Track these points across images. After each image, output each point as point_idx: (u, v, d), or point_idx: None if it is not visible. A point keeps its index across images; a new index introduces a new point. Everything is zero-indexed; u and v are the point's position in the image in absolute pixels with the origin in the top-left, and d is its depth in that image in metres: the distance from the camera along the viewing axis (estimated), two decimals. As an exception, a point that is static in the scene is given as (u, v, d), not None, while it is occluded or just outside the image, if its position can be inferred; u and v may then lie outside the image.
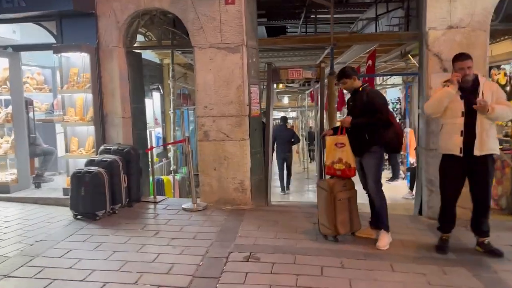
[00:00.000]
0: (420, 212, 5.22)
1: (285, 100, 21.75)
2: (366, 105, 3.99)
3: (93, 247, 3.99)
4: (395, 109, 13.00)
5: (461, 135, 3.63)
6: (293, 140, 10.50)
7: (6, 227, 4.68)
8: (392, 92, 13.82)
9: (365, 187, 4.17)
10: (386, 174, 10.24)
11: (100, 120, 5.66)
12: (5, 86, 6.17)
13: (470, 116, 3.59)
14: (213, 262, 3.59)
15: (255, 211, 5.21)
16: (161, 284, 3.18)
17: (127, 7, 5.48)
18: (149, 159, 5.90)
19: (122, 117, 5.70)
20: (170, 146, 8.40)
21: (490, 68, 6.83)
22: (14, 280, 3.29)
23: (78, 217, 4.89)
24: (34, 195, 5.91)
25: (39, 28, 5.90)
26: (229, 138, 5.35)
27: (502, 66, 6.87)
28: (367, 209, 4.31)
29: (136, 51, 6.11)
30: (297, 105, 19.75)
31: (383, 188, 4.07)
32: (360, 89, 4.13)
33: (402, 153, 10.24)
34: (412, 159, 10.79)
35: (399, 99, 13.12)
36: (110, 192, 4.93)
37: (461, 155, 3.64)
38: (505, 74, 6.76)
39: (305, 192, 11.30)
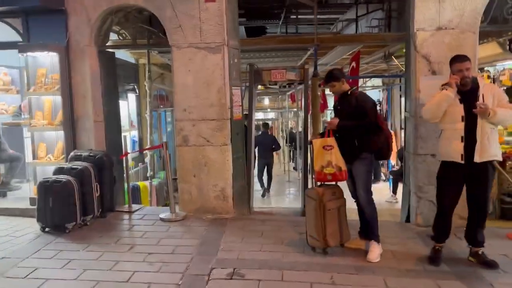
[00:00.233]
0: (407, 219, 5.06)
1: (266, 101, 21.51)
2: (355, 109, 3.78)
3: (61, 264, 3.66)
4: (376, 112, 12.92)
5: (462, 141, 3.45)
6: (274, 147, 10.52)
7: (-37, 243, 4.27)
8: (372, 94, 13.77)
9: (354, 195, 3.97)
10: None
11: (70, 124, 5.28)
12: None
13: (470, 121, 3.41)
14: (194, 281, 3.31)
15: (237, 220, 4.94)
16: (137, 308, 2.89)
17: (99, 4, 5.12)
18: (124, 165, 5.54)
19: (94, 121, 5.33)
20: (146, 150, 8.02)
21: (473, 70, 6.75)
22: (-32, 308, 2.93)
23: (46, 229, 4.53)
24: (-1, 205, 5.46)
25: (4, 25, 5.46)
26: (210, 143, 5.06)
27: (486, 69, 6.83)
28: (354, 216, 4.11)
29: (109, 50, 5.74)
30: (277, 106, 19.55)
31: None
32: (349, 92, 3.93)
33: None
34: (393, 162, 10.79)
35: (379, 102, 13.09)
36: (81, 203, 4.57)
37: (463, 162, 3.46)
38: (488, 77, 6.71)
39: (286, 195, 11.11)
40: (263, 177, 10.66)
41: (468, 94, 3.46)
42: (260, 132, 10.99)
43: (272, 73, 5.65)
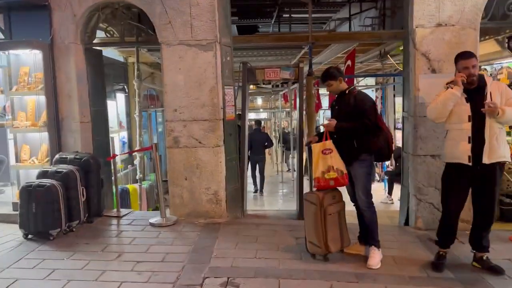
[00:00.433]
0: (406, 222, 4.90)
1: (259, 101, 21.33)
2: (354, 109, 3.61)
3: (44, 275, 3.42)
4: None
5: (469, 142, 3.28)
6: (266, 144, 10.48)
7: None
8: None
9: (354, 198, 3.80)
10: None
11: (55, 125, 5.03)
12: None
13: (477, 121, 3.25)
14: (186, 292, 3.11)
15: (231, 225, 4.74)
16: (123, 324, 2.68)
17: (85, -1, 4.90)
18: (112, 168, 5.31)
19: (80, 122, 5.09)
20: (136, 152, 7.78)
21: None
22: None
23: (29, 236, 4.28)
24: (-20, 210, 5.18)
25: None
26: (202, 145, 4.85)
27: (483, 67, 6.71)
28: (352, 219, 3.94)
29: (96, 48, 5.50)
30: (269, 106, 19.38)
31: None
32: (347, 91, 3.76)
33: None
34: (387, 162, 10.66)
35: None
36: (66, 208, 4.33)
37: (470, 164, 3.29)
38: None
39: (279, 196, 10.94)
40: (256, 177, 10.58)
41: (475, 92, 3.30)
42: (253, 129, 10.88)
43: (266, 71, 5.48)
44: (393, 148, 3.91)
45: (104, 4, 5.06)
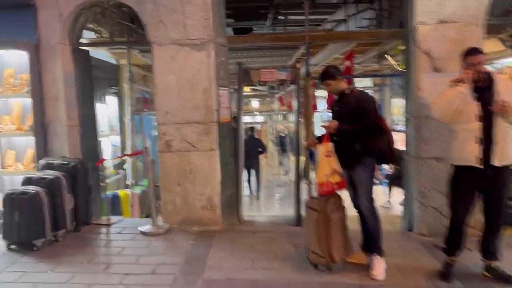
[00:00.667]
0: (409, 227, 4.70)
1: (255, 104, 21.09)
2: (355, 109, 3.40)
3: (26, 289, 3.19)
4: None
5: (479, 143, 3.09)
6: (260, 150, 10.61)
7: None
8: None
9: (355, 204, 3.58)
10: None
11: (41, 129, 4.80)
12: None
13: (486, 120, 3.06)
14: (177, 307, 2.89)
15: (226, 233, 4.52)
16: None
17: (72, -3, 4.68)
18: (100, 173, 5.08)
19: (68, 126, 4.85)
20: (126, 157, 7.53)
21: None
22: None
23: (12, 247, 4.05)
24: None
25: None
26: (196, 149, 4.64)
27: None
28: (352, 224, 3.71)
29: (84, 48, 5.26)
30: (265, 109, 19.18)
31: None
32: (347, 91, 3.56)
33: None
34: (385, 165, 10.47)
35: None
36: (51, 216, 4.11)
37: (482, 166, 3.09)
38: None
39: (276, 201, 10.74)
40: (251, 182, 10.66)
41: (483, 90, 3.11)
42: (247, 135, 10.84)
43: (262, 72, 5.27)
44: (395, 151, 3.69)
45: (93, 2, 4.85)
